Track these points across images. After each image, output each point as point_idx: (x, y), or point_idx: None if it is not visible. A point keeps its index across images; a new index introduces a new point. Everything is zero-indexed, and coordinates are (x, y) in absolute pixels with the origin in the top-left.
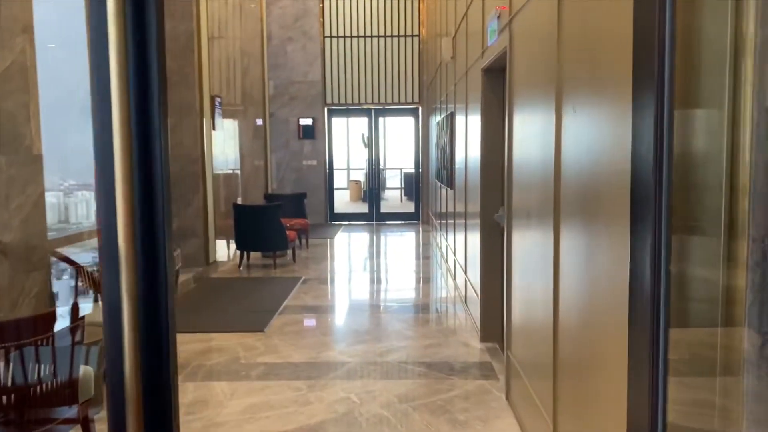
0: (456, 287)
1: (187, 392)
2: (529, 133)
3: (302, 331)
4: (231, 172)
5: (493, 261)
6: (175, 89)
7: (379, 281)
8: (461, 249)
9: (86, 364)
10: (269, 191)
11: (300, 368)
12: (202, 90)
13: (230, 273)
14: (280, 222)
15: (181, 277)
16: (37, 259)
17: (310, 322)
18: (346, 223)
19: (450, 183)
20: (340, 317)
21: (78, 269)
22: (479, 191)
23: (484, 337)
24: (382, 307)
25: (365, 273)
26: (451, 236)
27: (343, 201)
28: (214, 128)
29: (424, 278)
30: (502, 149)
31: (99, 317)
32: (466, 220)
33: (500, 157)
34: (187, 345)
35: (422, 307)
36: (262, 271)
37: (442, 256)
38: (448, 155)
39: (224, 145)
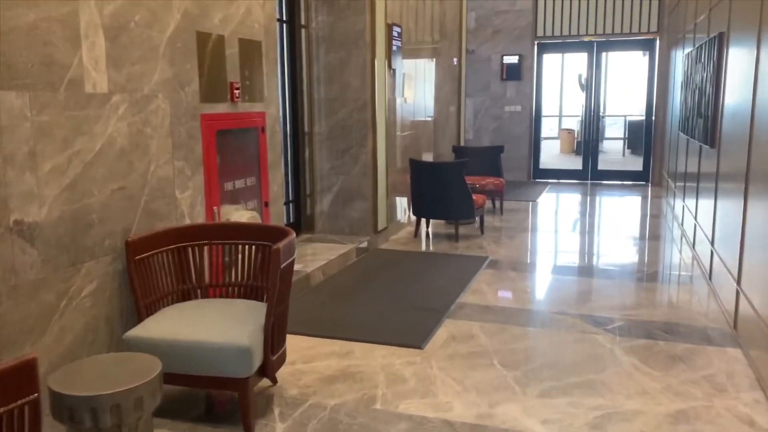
0: (720, 303)
1: None
2: None
3: (476, 354)
4: (424, 120)
5: None
6: (341, 14)
7: (593, 273)
8: (731, 238)
9: None
10: (461, 143)
11: None
12: (374, 15)
13: (402, 244)
14: (463, 183)
15: (340, 249)
16: (92, 243)
17: (486, 339)
18: (554, 181)
19: (709, 137)
20: (533, 335)
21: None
22: None
23: None
24: (602, 324)
25: (573, 258)
26: (705, 210)
27: (552, 153)
28: (390, 66)
29: (664, 273)
30: None
31: None
32: (747, 191)
33: None
34: (308, 358)
35: (670, 329)
36: (441, 243)
37: (685, 238)
38: (710, 99)
39: (416, 88)
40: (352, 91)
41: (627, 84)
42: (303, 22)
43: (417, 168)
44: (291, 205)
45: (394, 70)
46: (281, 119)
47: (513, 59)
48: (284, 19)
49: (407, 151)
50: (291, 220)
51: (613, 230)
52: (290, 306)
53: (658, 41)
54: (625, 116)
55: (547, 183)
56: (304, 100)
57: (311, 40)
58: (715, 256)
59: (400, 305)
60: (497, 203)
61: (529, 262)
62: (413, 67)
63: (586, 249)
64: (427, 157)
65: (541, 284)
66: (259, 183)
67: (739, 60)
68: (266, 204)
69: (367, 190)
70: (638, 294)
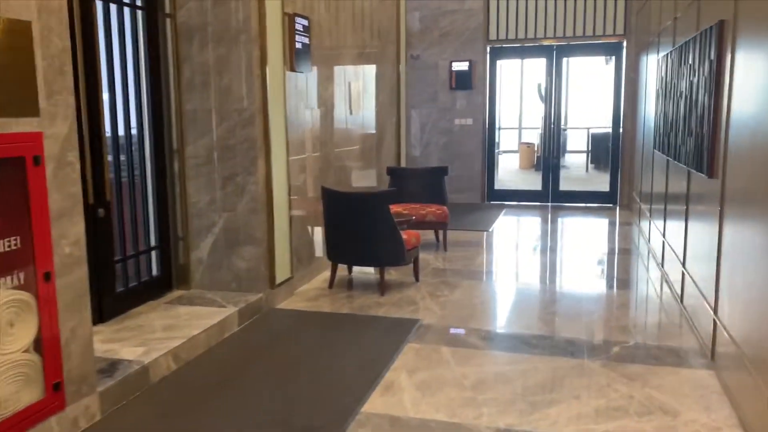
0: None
1: None
2: None
3: None
4: (363, 134)
5: None
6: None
7: (556, 348)
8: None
9: None
10: (401, 162)
11: None
12: (263, 0)
13: (311, 300)
14: (390, 220)
15: (215, 316)
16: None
17: None
18: (511, 203)
19: (706, 164)
20: None
21: None
22: None
23: None
24: None
25: (530, 320)
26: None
27: (511, 169)
28: (293, 68)
29: (645, 347)
30: None
31: None
32: None
33: None
34: None
35: None
36: (362, 296)
37: (665, 278)
38: (705, 111)
39: (343, 97)
40: (234, 99)
41: (590, 93)
42: (167, 10)
43: (330, 199)
44: (156, 252)
45: (299, 74)
46: (131, 136)
47: (463, 66)
48: (139, 4)
49: (340, 173)
50: (157, 272)
51: (580, 267)
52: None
53: (625, 44)
54: (588, 128)
55: (503, 206)
56: (171, 113)
57: (179, 32)
58: (719, 323)
59: (268, 421)
60: (441, 237)
61: (471, 327)
62: (343, 73)
63: (548, 304)
64: (367, 179)
65: (486, 368)
66: (31, 244)
67: (756, 55)
68: (46, 276)
69: (259, 231)
70: (619, 386)
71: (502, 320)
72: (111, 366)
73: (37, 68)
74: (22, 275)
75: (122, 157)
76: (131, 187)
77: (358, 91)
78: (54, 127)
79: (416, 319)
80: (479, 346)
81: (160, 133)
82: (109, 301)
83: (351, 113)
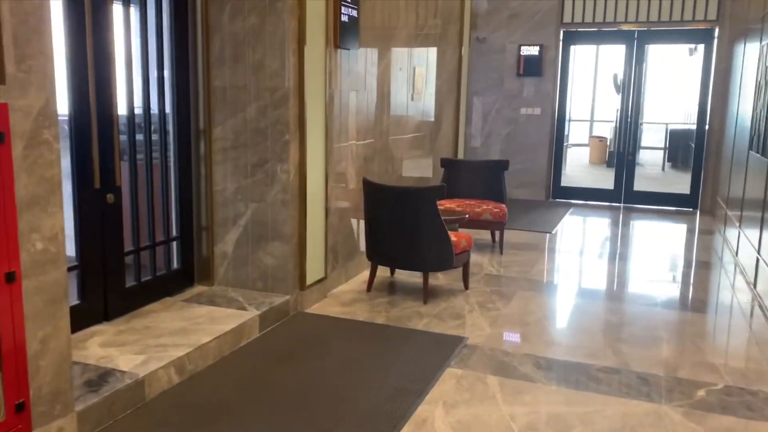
0: None
1: None
2: None
3: None
4: (421, 122)
5: None
6: None
7: (628, 388)
8: None
9: None
10: (458, 153)
11: None
12: None
13: (345, 305)
14: (437, 219)
15: (234, 319)
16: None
17: None
18: (578, 202)
19: None
20: None
21: None
22: None
23: None
24: None
25: (596, 344)
26: None
27: (580, 163)
28: (337, 44)
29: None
30: None
31: None
32: None
33: None
34: None
35: None
36: (403, 303)
37: (758, 301)
38: None
39: (403, 81)
40: (267, 76)
41: (671, 85)
42: None
43: (372, 192)
44: (177, 242)
45: (344, 52)
46: (149, 114)
47: (533, 50)
48: None
49: (388, 163)
50: (178, 265)
51: (655, 287)
52: None
53: (717, 32)
54: (666, 124)
55: (570, 204)
56: (198, 90)
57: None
58: None
59: None
60: (497, 237)
61: (525, 351)
62: (397, 53)
63: (616, 327)
64: (419, 171)
65: (539, 408)
66: None
67: None
68: (9, 277)
69: (288, 225)
70: None
71: (562, 344)
72: (100, 378)
73: (3, 25)
74: None
75: (139, 137)
76: (149, 171)
77: (412, 74)
78: (25, 98)
79: (461, 336)
80: (533, 377)
81: (185, 112)
82: (117, 297)
83: (408, 99)
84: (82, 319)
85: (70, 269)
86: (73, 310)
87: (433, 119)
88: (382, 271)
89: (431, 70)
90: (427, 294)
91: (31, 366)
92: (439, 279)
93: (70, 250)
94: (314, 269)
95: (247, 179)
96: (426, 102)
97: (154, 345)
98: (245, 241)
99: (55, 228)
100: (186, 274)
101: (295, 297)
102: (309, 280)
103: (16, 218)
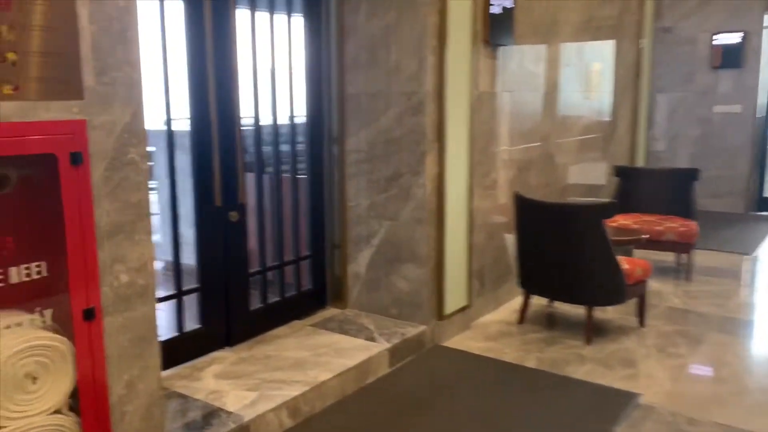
0: None
1: None
2: None
3: None
4: (595, 122)
5: None
6: None
7: None
8: None
9: None
10: (635, 161)
11: None
12: None
13: (490, 339)
14: (605, 243)
15: (360, 353)
16: None
17: None
18: None
19: None
20: None
21: None
22: None
23: None
24: None
25: None
26: None
27: None
28: (487, 39)
29: None
30: None
31: None
32: None
33: None
34: None
35: None
36: (560, 343)
37: None
38: None
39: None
40: (403, 81)
41: None
42: None
43: (524, 210)
44: (308, 261)
45: (496, 48)
46: (277, 125)
47: (732, 38)
48: None
49: (549, 173)
50: (309, 286)
51: None
52: None
53: None
54: None
55: None
56: (332, 97)
57: None
58: None
59: None
60: (684, 259)
61: (715, 420)
62: (561, 48)
63: None
64: (589, 180)
65: None
66: (63, 272)
67: None
68: (87, 314)
69: (423, 246)
70: None
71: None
72: (204, 419)
73: (81, 32)
74: (48, 313)
75: (265, 149)
76: (277, 187)
77: (583, 70)
78: (107, 113)
79: (632, 392)
80: None
81: (317, 122)
82: (240, 321)
83: (577, 97)
84: (202, 344)
85: (190, 291)
86: (194, 335)
87: (608, 119)
88: (539, 298)
89: (602, 65)
90: (591, 332)
91: (115, 413)
92: (607, 312)
93: (191, 272)
94: (455, 296)
95: (381, 194)
96: (599, 100)
97: (269, 380)
98: (379, 262)
99: (144, 258)
100: (318, 296)
101: (431, 327)
102: (449, 309)
103: (96, 249)
